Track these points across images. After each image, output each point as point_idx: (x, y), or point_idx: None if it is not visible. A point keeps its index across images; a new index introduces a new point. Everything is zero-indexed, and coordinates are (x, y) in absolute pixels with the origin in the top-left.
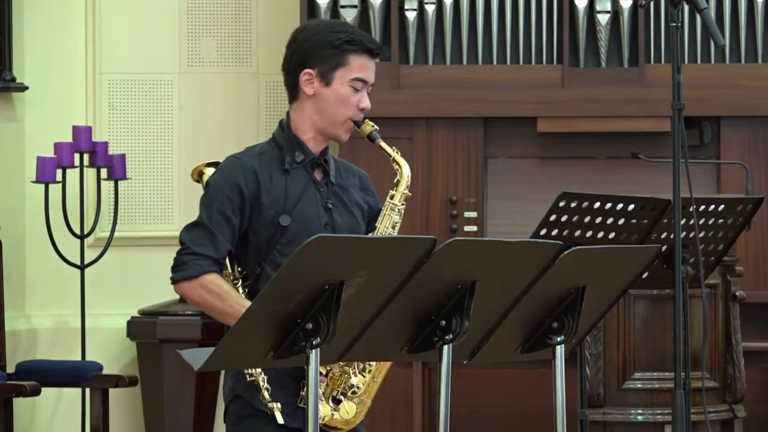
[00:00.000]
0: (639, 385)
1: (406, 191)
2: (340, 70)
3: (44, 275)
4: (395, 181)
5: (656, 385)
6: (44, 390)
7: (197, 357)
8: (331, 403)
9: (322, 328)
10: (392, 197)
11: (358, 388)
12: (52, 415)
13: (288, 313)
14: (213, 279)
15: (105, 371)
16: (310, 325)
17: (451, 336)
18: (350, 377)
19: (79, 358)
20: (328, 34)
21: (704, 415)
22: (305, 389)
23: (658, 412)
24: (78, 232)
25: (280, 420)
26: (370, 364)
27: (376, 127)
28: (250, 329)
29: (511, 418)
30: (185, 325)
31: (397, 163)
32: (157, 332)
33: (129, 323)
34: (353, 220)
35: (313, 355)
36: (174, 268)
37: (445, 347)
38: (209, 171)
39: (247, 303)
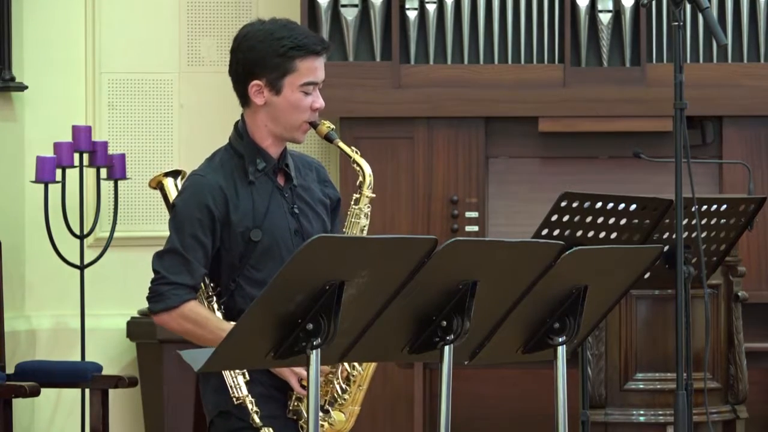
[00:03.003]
0: (641, 386)
1: (370, 192)
2: (288, 77)
3: (44, 275)
4: (357, 183)
5: (658, 386)
6: (44, 391)
7: (197, 358)
8: (321, 414)
9: (323, 329)
10: (356, 201)
11: (344, 399)
12: (52, 416)
13: (288, 314)
14: (192, 307)
15: (105, 372)
16: (310, 326)
17: (452, 336)
18: (335, 387)
19: (78, 358)
20: (272, 42)
21: (706, 416)
22: (293, 400)
23: (660, 413)
24: (77, 232)
25: None
26: (353, 375)
27: (332, 126)
28: (250, 330)
29: (513, 419)
30: None
31: (358, 165)
32: (157, 333)
33: (129, 324)
34: (320, 222)
35: (314, 356)
36: (151, 299)
37: (446, 348)
38: (168, 181)
39: (228, 326)
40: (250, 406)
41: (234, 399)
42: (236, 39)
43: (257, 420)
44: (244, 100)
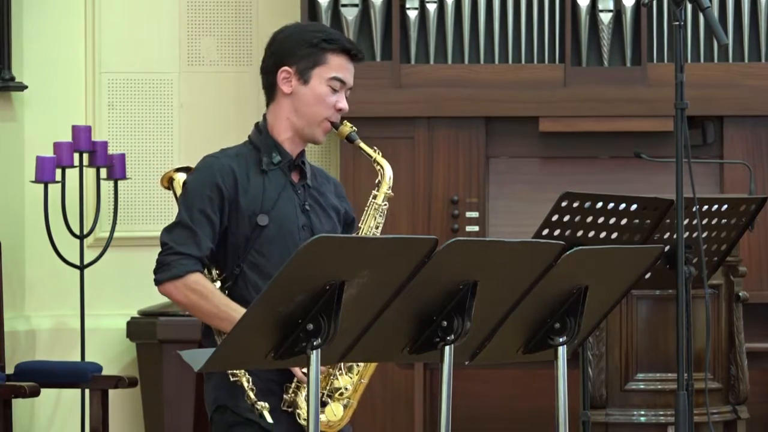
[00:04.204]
0: (641, 386)
1: (389, 191)
2: (318, 69)
3: (43, 276)
4: (377, 181)
5: (659, 386)
6: (43, 391)
7: (197, 358)
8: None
9: (323, 329)
10: (375, 197)
11: (345, 389)
12: (52, 417)
13: (289, 314)
14: (198, 279)
15: (104, 372)
16: (311, 326)
17: (452, 336)
18: (336, 378)
19: (78, 358)
20: (306, 33)
21: (707, 416)
22: (290, 392)
23: (661, 413)
24: (77, 232)
25: (269, 419)
26: (357, 364)
27: (354, 128)
28: (250, 330)
29: (513, 419)
30: (185, 325)
31: (379, 164)
32: (157, 333)
33: (129, 324)
34: (331, 223)
35: (314, 356)
36: (157, 269)
37: (447, 348)
38: (179, 176)
39: (233, 304)
40: (246, 384)
41: (230, 375)
42: (272, 36)
43: (252, 397)
44: (271, 93)
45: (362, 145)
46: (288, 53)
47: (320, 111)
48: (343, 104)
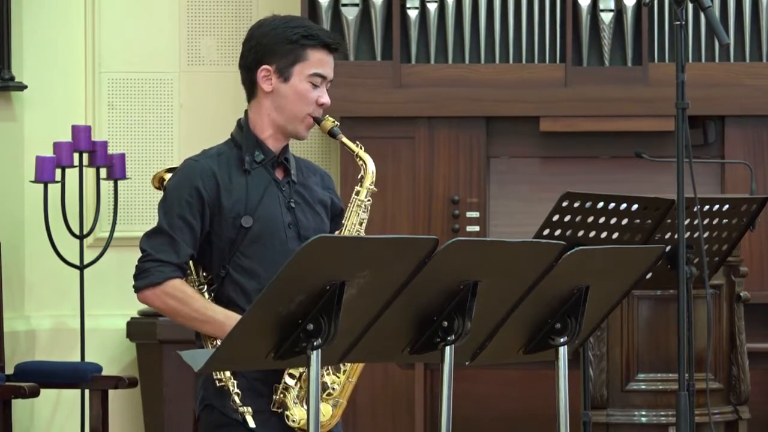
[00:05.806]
0: (643, 387)
1: (372, 187)
2: (298, 66)
3: (43, 276)
4: (359, 177)
5: (660, 387)
6: (43, 391)
7: (197, 358)
8: (305, 406)
9: (324, 329)
10: (358, 193)
11: (333, 389)
12: (51, 417)
13: (289, 314)
14: (176, 285)
15: (104, 372)
16: (311, 326)
17: (453, 337)
18: (323, 378)
19: (78, 359)
20: (285, 29)
21: (708, 416)
22: (278, 393)
23: (662, 413)
24: (77, 232)
25: (251, 424)
26: (344, 364)
27: (336, 122)
28: (250, 330)
29: (514, 420)
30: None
31: (361, 159)
32: (156, 333)
33: (128, 324)
34: (318, 219)
35: (315, 356)
36: (136, 276)
37: (447, 348)
38: (169, 176)
39: (213, 306)
40: (231, 388)
41: (216, 381)
42: (250, 30)
43: (237, 401)
44: (251, 90)
45: (344, 139)
46: (267, 51)
47: (302, 108)
48: (325, 99)
